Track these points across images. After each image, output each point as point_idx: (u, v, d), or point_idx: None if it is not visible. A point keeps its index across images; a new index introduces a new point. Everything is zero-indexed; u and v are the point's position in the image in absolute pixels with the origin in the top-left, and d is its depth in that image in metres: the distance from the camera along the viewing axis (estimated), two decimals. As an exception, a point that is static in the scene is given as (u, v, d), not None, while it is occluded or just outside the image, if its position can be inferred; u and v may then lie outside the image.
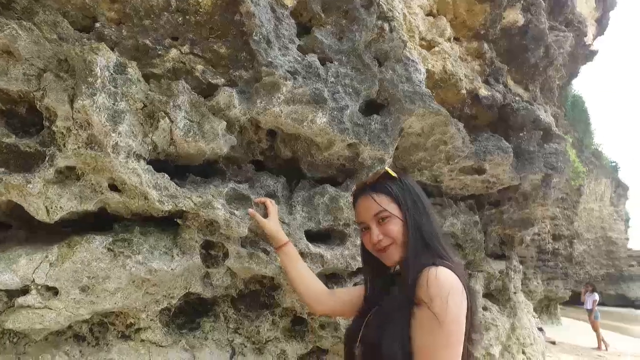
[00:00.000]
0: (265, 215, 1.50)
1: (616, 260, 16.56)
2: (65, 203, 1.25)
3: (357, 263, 1.75)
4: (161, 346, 1.47)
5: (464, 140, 2.03)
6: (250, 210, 1.48)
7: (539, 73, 2.84)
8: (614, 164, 16.89)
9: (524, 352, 4.47)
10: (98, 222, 1.43)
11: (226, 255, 1.56)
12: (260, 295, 1.73)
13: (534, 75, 2.80)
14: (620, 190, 16.79)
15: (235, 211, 1.48)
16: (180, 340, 1.51)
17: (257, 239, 1.59)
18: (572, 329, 10.18)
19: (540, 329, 7.05)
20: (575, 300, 11.19)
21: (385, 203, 1.17)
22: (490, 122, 2.54)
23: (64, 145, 1.20)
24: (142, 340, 1.45)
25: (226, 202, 1.48)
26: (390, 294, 1.18)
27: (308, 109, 1.58)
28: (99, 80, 1.18)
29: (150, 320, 1.47)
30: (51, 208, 1.23)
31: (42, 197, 1.21)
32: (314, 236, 1.75)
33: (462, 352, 1.02)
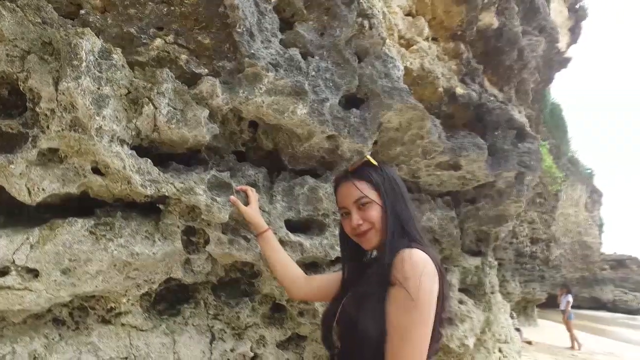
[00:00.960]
0: (246, 203, 1.54)
1: (590, 264, 17.06)
2: (47, 185, 1.26)
3: (336, 252, 1.79)
4: (141, 330, 1.48)
5: (440, 135, 2.11)
6: (231, 197, 1.52)
7: (514, 75, 2.96)
8: (589, 170, 17.43)
9: (500, 350, 4.58)
10: (79, 208, 1.44)
11: (207, 241, 1.59)
12: (241, 283, 1.76)
13: (509, 77, 2.92)
14: (595, 196, 17.34)
15: (217, 198, 1.52)
16: (160, 325, 1.53)
17: (238, 226, 1.63)
18: (547, 329, 10.45)
19: (518, 329, 7.21)
20: (551, 303, 11.48)
21: (366, 189, 1.21)
22: (467, 121, 2.64)
23: (48, 127, 1.22)
24: (123, 325, 1.47)
25: (208, 188, 1.51)
26: (366, 277, 1.23)
27: (289, 100, 1.63)
28: (83, 64, 1.20)
29: (131, 304, 1.49)
30: (33, 190, 1.25)
31: (25, 179, 1.23)
32: (293, 226, 1.80)
33: (432, 332, 1.06)
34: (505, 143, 2.59)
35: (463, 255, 2.76)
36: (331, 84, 1.78)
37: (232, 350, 1.63)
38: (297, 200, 1.81)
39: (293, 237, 1.74)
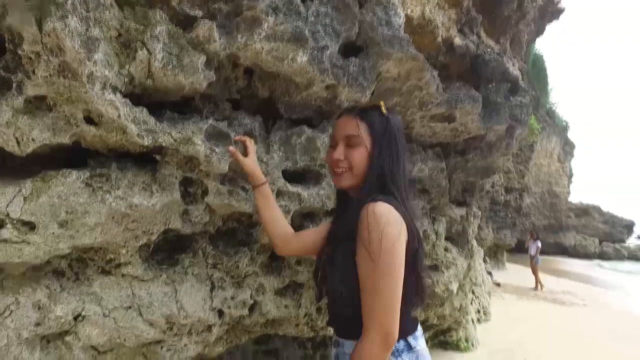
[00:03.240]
0: (245, 154, 1.50)
1: (557, 213, 17.95)
2: (37, 135, 1.19)
3: (332, 203, 1.81)
4: (143, 280, 1.49)
5: (438, 87, 2.08)
6: (230, 147, 1.48)
7: (510, 26, 2.89)
8: (565, 123, 17.78)
9: (473, 292, 4.91)
10: (67, 159, 1.38)
11: (205, 192, 1.57)
12: (239, 233, 1.77)
13: (506, 28, 2.85)
14: (567, 148, 17.85)
15: (216, 148, 1.48)
16: (161, 275, 1.54)
17: (236, 177, 1.61)
18: (514, 272, 11.17)
19: (489, 273, 7.69)
20: (518, 248, 12.18)
21: (363, 131, 1.16)
22: (461, 73, 2.59)
23: (34, 72, 1.13)
24: (123, 275, 1.47)
25: (206, 138, 1.47)
26: (339, 229, 1.20)
27: (289, 47, 1.55)
28: (69, 2, 1.09)
29: (130, 255, 1.48)
30: (22, 140, 1.18)
31: (12, 128, 1.15)
32: (290, 176, 1.79)
33: (409, 283, 1.07)
34: (498, 96, 2.58)
35: (450, 205, 2.84)
36: (331, 31, 1.70)
37: (232, 298, 1.67)
38: (294, 150, 1.79)
39: (291, 187, 1.74)
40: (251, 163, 1.47)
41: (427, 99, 2.09)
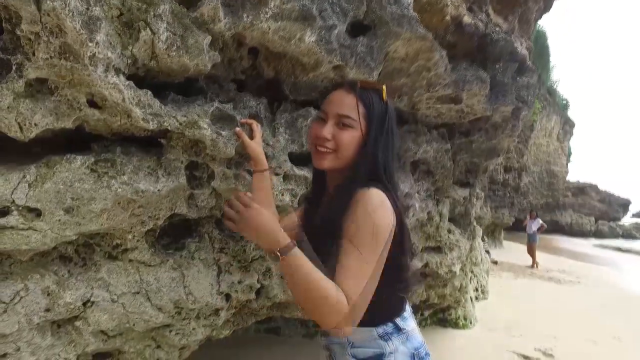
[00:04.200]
0: (251, 137, 1.46)
1: (555, 191, 18.05)
2: (39, 119, 1.16)
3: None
4: (150, 265, 1.48)
5: (446, 68, 2.03)
6: (237, 129, 1.44)
7: (519, 4, 2.81)
8: (565, 101, 17.66)
9: (472, 271, 4.97)
10: (69, 142, 1.35)
11: (211, 176, 1.55)
12: (245, 218, 1.75)
13: (514, 6, 2.77)
14: (567, 127, 17.77)
15: (222, 132, 1.44)
16: (168, 260, 1.53)
17: (242, 160, 1.58)
18: (512, 251, 11.32)
19: (487, 252, 7.78)
20: (517, 227, 12.28)
21: (361, 113, 1.07)
22: (468, 52, 2.53)
23: (34, 54, 1.09)
24: (130, 260, 1.46)
25: (212, 122, 1.43)
26: (323, 214, 1.12)
27: (296, 27, 1.49)
28: (68, -21, 1.04)
29: (137, 241, 1.47)
30: (24, 125, 1.14)
31: (14, 113, 1.11)
32: (297, 158, 1.76)
33: (395, 269, 1.04)
34: (505, 76, 2.53)
35: (453, 187, 2.83)
36: (338, 9, 1.64)
37: (239, 283, 1.67)
38: (300, 132, 1.76)
39: (298, 170, 1.72)
40: (256, 147, 1.42)
41: (435, 80, 2.05)
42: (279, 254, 0.93)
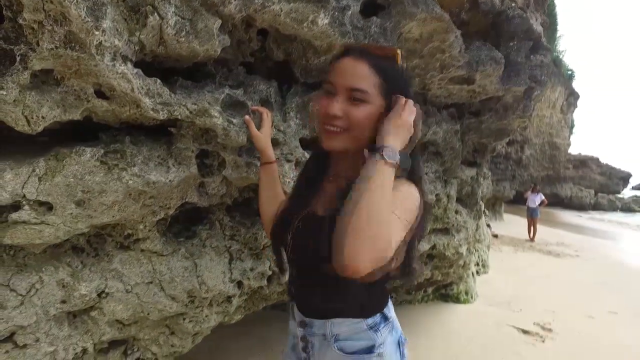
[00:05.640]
0: (259, 126, 1.39)
1: (556, 164, 18.01)
2: (47, 112, 1.11)
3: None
4: (162, 255, 1.48)
5: (460, 49, 1.96)
6: (246, 117, 1.39)
7: (535, -25, 2.69)
8: (570, 72, 17.30)
9: (475, 248, 5.02)
10: (75, 131, 1.31)
11: (222, 164, 1.52)
12: (255, 203, 1.73)
13: (530, -23, 2.65)
14: (571, 99, 17.48)
15: (233, 119, 1.40)
16: (179, 249, 1.53)
17: (253, 147, 1.54)
18: (511, 223, 11.43)
19: (488, 225, 7.84)
20: (517, 200, 12.35)
21: (376, 87, 0.93)
22: (481, 30, 2.44)
23: (38, 44, 1.03)
24: (142, 250, 1.45)
25: (222, 109, 1.39)
26: (333, 195, 1.01)
27: (309, 8, 1.42)
28: (70, -38, 0.97)
29: (149, 230, 1.46)
30: (32, 118, 1.10)
31: (20, 106, 1.07)
32: (308, 144, 1.73)
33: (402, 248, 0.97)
34: (519, 55, 2.45)
35: (461, 167, 2.80)
36: (352, -13, 1.56)
37: (251, 270, 1.67)
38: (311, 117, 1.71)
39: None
40: (263, 139, 1.35)
41: (449, 62, 1.98)
42: (392, 161, 0.84)
